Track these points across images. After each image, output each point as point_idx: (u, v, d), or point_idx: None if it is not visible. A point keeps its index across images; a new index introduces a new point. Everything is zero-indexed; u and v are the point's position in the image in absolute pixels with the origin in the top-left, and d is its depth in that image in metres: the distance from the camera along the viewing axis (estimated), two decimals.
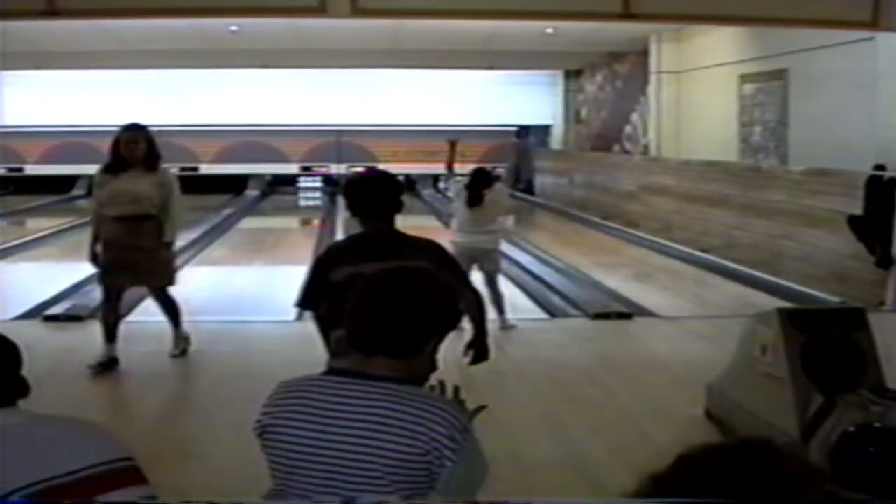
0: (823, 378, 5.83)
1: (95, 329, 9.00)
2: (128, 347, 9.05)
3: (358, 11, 10.48)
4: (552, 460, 6.57)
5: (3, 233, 21.37)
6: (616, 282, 14.22)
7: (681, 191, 19.22)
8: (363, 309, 2.85)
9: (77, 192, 28.46)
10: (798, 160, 15.68)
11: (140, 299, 12.77)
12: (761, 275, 14.24)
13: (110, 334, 8.75)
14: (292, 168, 32.14)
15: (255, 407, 2.91)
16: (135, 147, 8.61)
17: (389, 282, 2.89)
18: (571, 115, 30.28)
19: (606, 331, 10.74)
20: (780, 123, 16.72)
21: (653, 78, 22.10)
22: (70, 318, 10.58)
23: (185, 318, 11.64)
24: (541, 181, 31.04)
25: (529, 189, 31.15)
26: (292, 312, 11.40)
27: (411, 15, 12.60)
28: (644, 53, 22.44)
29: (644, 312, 11.88)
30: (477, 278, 10.52)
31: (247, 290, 14.45)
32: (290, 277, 14.47)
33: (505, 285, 11.15)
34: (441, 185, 27.78)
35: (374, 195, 5.14)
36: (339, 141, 31.58)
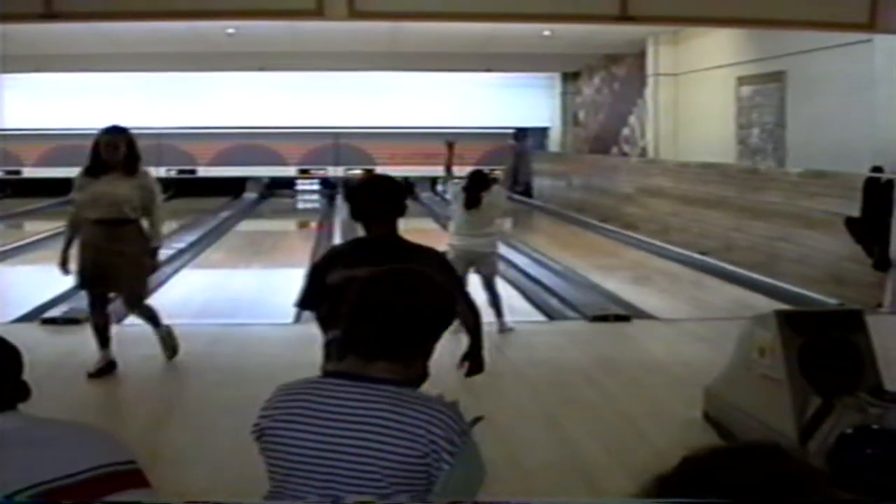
0: (821, 380, 5.83)
1: (86, 334, 8.97)
2: (125, 350, 9.05)
3: (355, 14, 10.48)
4: (550, 462, 6.57)
5: (1, 236, 21.38)
6: (614, 284, 14.24)
7: (678, 193, 19.23)
8: (359, 313, 2.85)
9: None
10: (796, 162, 15.69)
11: None
12: (759, 277, 14.25)
13: (103, 339, 8.69)
14: (290, 171, 32.15)
15: (253, 410, 2.91)
16: (115, 150, 8.47)
17: (384, 285, 2.89)
18: (569, 117, 30.31)
19: (604, 333, 10.74)
20: (777, 125, 16.73)
21: (650, 80, 22.13)
22: (68, 321, 10.58)
23: (184, 322, 11.68)
24: (539, 183, 31.04)
25: (527, 191, 31.16)
26: (290, 315, 11.43)
27: (408, 18, 12.60)
28: (641, 56, 22.46)
29: (642, 315, 11.89)
30: (474, 281, 10.54)
31: (244, 293, 14.45)
32: (288, 280, 14.48)
33: (502, 288, 11.15)
34: (439, 187, 27.78)
35: (376, 199, 5.15)
36: (336, 144, 31.60)
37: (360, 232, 5.29)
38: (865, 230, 12.13)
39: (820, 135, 15.00)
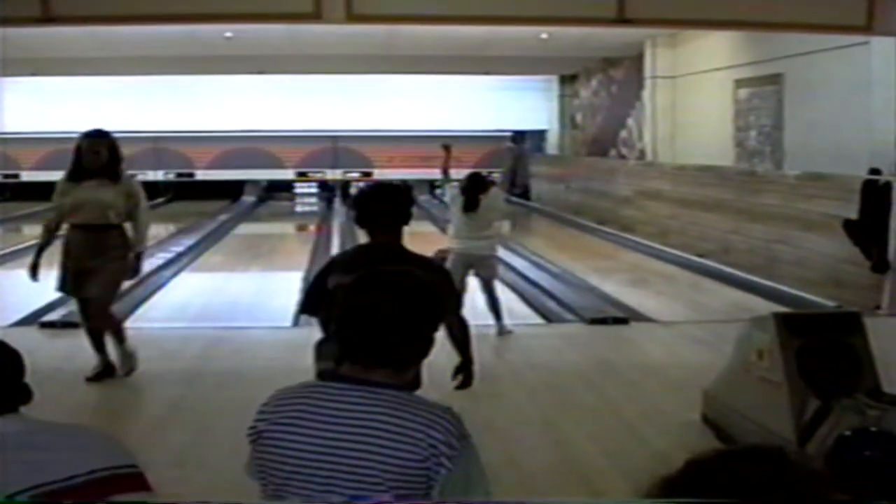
0: (819, 382, 5.83)
1: (86, 337, 8.93)
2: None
3: (352, 17, 10.50)
4: (549, 465, 6.57)
5: (0, 239, 21.37)
6: (612, 287, 14.24)
7: (676, 195, 19.24)
8: (348, 318, 2.85)
9: None
10: (793, 165, 15.70)
11: (136, 305, 12.83)
12: (757, 279, 14.26)
13: (98, 343, 8.62)
14: (288, 174, 32.16)
15: (252, 412, 2.91)
16: (96, 155, 8.34)
17: (369, 288, 2.88)
18: (567, 120, 30.32)
19: (603, 336, 10.75)
20: (775, 128, 16.74)
21: (648, 83, 22.14)
22: (66, 324, 10.56)
23: (182, 325, 11.70)
24: (537, 186, 31.04)
25: (525, 194, 31.16)
26: (288, 318, 11.45)
27: (406, 21, 12.60)
28: (639, 58, 22.48)
29: (640, 317, 11.90)
30: (473, 284, 10.55)
31: (243, 297, 14.45)
32: (286, 283, 14.53)
33: (501, 290, 11.16)
34: (438, 191, 27.87)
35: (382, 206, 5.17)
36: (334, 147, 31.61)
37: (361, 236, 5.31)
38: (863, 232, 12.13)
39: (817, 137, 15.01)
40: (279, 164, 31.77)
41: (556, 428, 7.46)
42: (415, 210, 5.39)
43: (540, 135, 32.00)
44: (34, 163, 29.87)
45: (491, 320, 10.52)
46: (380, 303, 2.81)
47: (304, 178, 32.48)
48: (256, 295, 14.67)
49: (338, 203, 29.49)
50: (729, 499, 1.51)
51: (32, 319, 11.19)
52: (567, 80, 29.97)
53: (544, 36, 19.97)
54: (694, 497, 1.53)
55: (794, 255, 14.27)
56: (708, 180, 18.00)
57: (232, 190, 31.37)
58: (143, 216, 8.63)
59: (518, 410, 7.91)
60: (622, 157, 24.50)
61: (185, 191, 31.30)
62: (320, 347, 4.95)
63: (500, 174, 28.43)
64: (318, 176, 32.28)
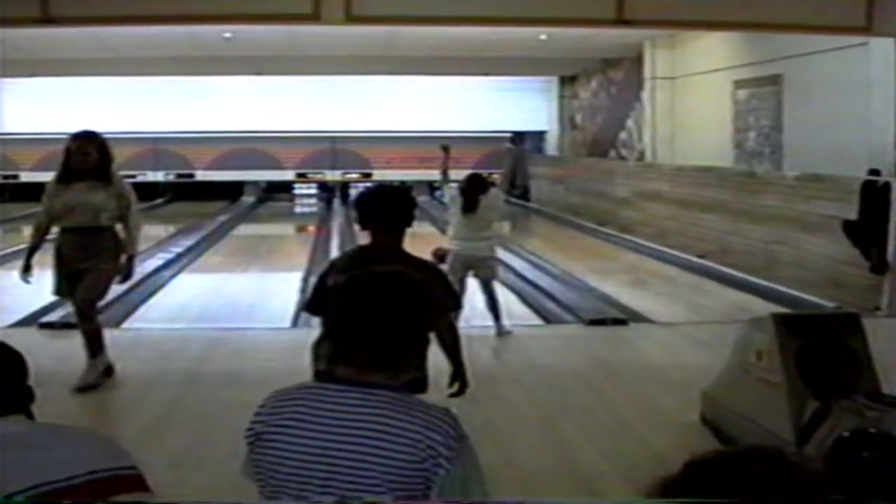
0: (818, 383, 5.84)
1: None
2: (122, 354, 9.04)
3: (351, 19, 10.50)
4: (548, 466, 6.57)
5: (0, 240, 21.37)
6: (611, 287, 14.24)
7: (675, 196, 19.24)
8: (339, 321, 2.84)
9: None
10: (792, 166, 15.71)
11: (135, 307, 12.83)
12: (756, 280, 14.26)
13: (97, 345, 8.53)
14: (288, 175, 32.16)
15: (251, 413, 2.91)
16: (85, 156, 8.20)
17: (360, 289, 2.87)
18: (566, 121, 30.32)
19: (602, 337, 10.74)
20: (774, 129, 16.74)
21: (647, 84, 22.15)
22: (65, 325, 10.55)
23: (182, 326, 11.70)
24: (536, 187, 31.04)
25: (525, 195, 31.16)
26: (287, 319, 11.46)
27: (405, 22, 12.60)
28: (638, 59, 22.49)
29: (639, 318, 11.90)
30: (473, 285, 10.55)
31: (242, 297, 14.44)
32: (286, 284, 14.54)
33: (500, 291, 11.15)
34: (437, 192, 27.85)
35: (385, 208, 5.19)
36: (334, 148, 31.62)
37: (361, 237, 5.33)
38: (862, 233, 12.13)
39: (817, 138, 15.01)
40: (278, 165, 31.79)
41: (554, 429, 7.45)
42: (416, 213, 5.40)
43: (539, 136, 32.00)
44: (33, 164, 29.84)
45: (490, 321, 10.52)
46: (370, 304, 2.80)
47: (303, 179, 32.48)
48: (256, 296, 14.67)
49: (337, 204, 29.50)
50: (728, 500, 1.51)
51: (31, 320, 11.19)
52: (567, 81, 29.98)
53: (543, 37, 19.97)
54: (693, 497, 1.53)
55: (794, 256, 14.28)
56: (707, 181, 18.01)
57: (231, 191, 31.38)
58: (134, 219, 8.50)
59: (517, 411, 7.91)
60: (622, 158, 24.50)
61: (185, 192, 31.32)
62: (317, 348, 4.96)
63: (500, 175, 28.50)
64: (318, 177, 32.29)
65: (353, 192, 26.48)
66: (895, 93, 12.37)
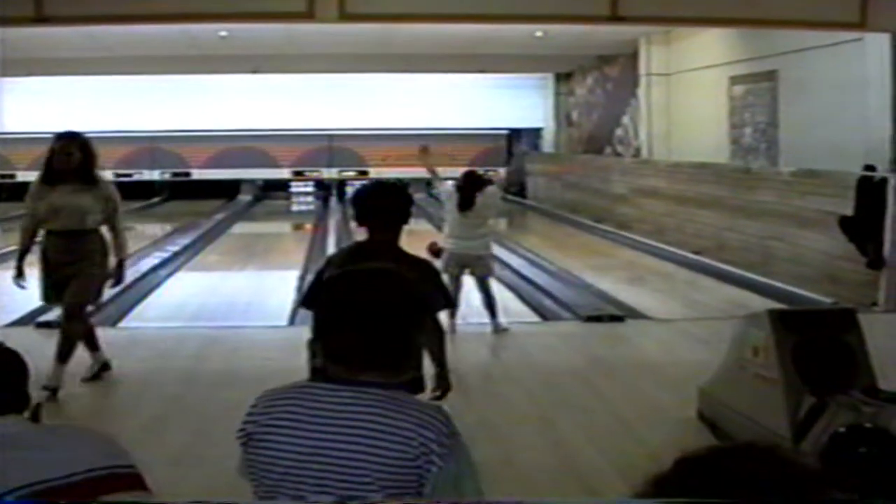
0: (815, 379, 5.84)
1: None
2: (120, 353, 9.04)
3: (345, 17, 10.51)
4: (545, 463, 6.57)
5: None
6: (608, 284, 14.24)
7: (672, 193, 19.24)
8: (330, 327, 2.84)
9: None
10: (788, 161, 15.70)
11: (131, 306, 12.83)
12: (753, 276, 14.27)
13: (91, 345, 8.50)
14: (284, 173, 32.14)
15: None
16: (68, 157, 8.00)
17: (349, 289, 2.86)
18: (562, 117, 30.30)
19: (599, 333, 10.74)
20: (770, 125, 16.75)
21: (643, 80, 22.13)
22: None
23: (179, 324, 11.70)
24: (533, 184, 31.04)
25: (521, 192, 31.17)
26: (284, 317, 11.46)
27: (398, 20, 12.60)
28: (634, 56, 22.48)
29: (636, 315, 11.90)
30: (469, 283, 10.56)
31: (239, 296, 14.43)
32: (282, 283, 14.53)
33: (497, 289, 11.15)
34: (434, 191, 27.89)
35: (382, 205, 5.19)
36: (330, 146, 31.59)
37: (358, 235, 5.33)
38: (859, 229, 12.13)
39: (812, 134, 15.01)
40: (275, 164, 31.76)
41: (552, 426, 7.45)
42: (411, 208, 5.40)
43: (536, 133, 31.99)
44: (29, 163, 29.78)
45: (487, 319, 10.53)
46: (357, 302, 2.79)
47: (299, 178, 32.47)
48: (252, 294, 14.66)
49: (334, 202, 29.50)
50: (721, 496, 1.50)
51: (28, 320, 11.18)
52: (563, 78, 29.96)
53: (539, 34, 19.95)
54: (685, 495, 1.53)
55: (790, 252, 14.28)
56: (703, 177, 18.00)
57: (228, 189, 31.36)
58: (122, 221, 8.39)
59: (514, 409, 7.91)
60: (618, 154, 24.49)
61: (181, 190, 31.29)
62: (313, 344, 4.95)
63: (505, 173, 28.54)
64: (314, 175, 32.27)
65: (350, 190, 26.46)
66: (891, 88, 12.38)
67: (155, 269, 16.31)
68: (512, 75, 29.53)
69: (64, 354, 8.07)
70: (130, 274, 14.79)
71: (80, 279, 8.07)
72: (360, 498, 2.61)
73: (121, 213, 8.38)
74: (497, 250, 12.68)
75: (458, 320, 10.33)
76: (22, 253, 8.36)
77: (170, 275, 16.11)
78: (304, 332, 5.35)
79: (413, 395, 4.19)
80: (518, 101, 30.95)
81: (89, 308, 8.62)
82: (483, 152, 31.58)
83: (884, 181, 11.95)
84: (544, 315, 12.41)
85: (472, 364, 9.26)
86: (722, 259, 15.86)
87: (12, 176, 30.25)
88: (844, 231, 12.30)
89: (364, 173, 30.66)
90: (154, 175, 31.55)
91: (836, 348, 6.10)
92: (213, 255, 19.39)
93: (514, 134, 32.23)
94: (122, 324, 11.85)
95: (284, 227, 28.68)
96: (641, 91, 22.27)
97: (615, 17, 10.65)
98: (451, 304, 6.15)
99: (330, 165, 31.75)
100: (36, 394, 7.30)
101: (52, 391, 7.77)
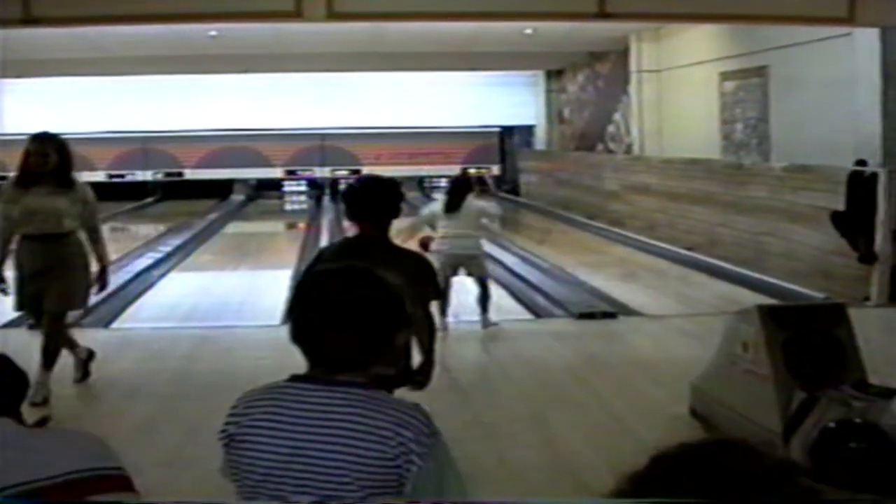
0: (805, 374, 5.86)
1: (78, 337, 8.86)
2: (113, 354, 9.05)
3: (333, 16, 10.49)
4: (537, 460, 6.58)
5: None
6: (601, 281, 14.25)
7: (664, 189, 19.25)
8: (300, 329, 2.84)
9: None
10: (780, 157, 15.72)
11: (124, 307, 12.82)
12: (746, 272, 14.28)
13: (68, 344, 8.32)
14: (277, 172, 32.13)
15: None
16: (44, 158, 7.76)
17: (322, 291, 2.86)
18: (554, 115, 30.30)
19: (591, 330, 10.75)
20: (761, 120, 16.76)
21: (634, 77, 22.14)
22: None
23: (172, 325, 11.69)
24: (525, 181, 31.05)
25: (514, 190, 31.19)
26: (277, 317, 11.44)
27: (386, 18, 12.60)
28: (625, 53, 22.48)
29: (629, 311, 11.91)
30: (464, 282, 10.57)
31: (232, 296, 14.43)
32: (275, 282, 14.52)
33: (490, 286, 11.15)
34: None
35: (372, 200, 5.21)
36: (322, 145, 31.58)
37: (349, 232, 5.34)
38: (850, 224, 12.15)
39: (803, 129, 15.03)
40: (267, 163, 31.74)
41: (544, 423, 7.46)
42: (404, 207, 5.41)
43: (528, 130, 31.98)
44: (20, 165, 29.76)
45: (476, 317, 10.54)
46: (330, 303, 2.80)
47: (292, 177, 32.46)
48: (245, 294, 14.66)
49: (327, 201, 29.48)
50: (696, 492, 1.51)
51: (22, 321, 11.15)
52: (554, 76, 29.95)
53: (529, 31, 19.94)
54: (660, 493, 1.54)
55: (783, 248, 14.29)
56: (695, 173, 18.01)
57: (221, 189, 31.34)
58: (100, 225, 8.22)
59: (506, 406, 7.92)
60: (610, 151, 24.50)
61: (174, 190, 31.27)
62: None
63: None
64: (307, 174, 32.26)
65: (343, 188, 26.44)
66: (880, 83, 12.41)
67: (148, 269, 16.30)
68: (503, 73, 29.52)
69: (49, 362, 7.94)
70: (123, 275, 14.86)
71: (61, 286, 7.85)
72: (341, 498, 2.61)
73: (98, 217, 8.21)
74: (492, 249, 12.69)
75: (450, 318, 10.35)
76: (0, 260, 8.10)
77: (163, 275, 16.10)
78: None
79: (400, 386, 4.20)
80: (510, 98, 30.92)
81: (76, 313, 8.55)
82: (475, 150, 31.61)
83: (874, 176, 11.98)
84: (537, 312, 12.41)
85: (464, 362, 9.28)
86: (714, 255, 15.87)
87: (3, 178, 30.20)
88: (836, 226, 12.32)
89: (357, 172, 30.57)
90: (147, 175, 31.54)
91: (826, 343, 6.11)
92: (207, 255, 19.37)
93: (507, 131, 32.24)
94: (115, 325, 11.84)
95: (278, 226, 28.65)
96: (632, 88, 22.27)
97: (602, 15, 10.64)
98: (440, 294, 6.15)
99: (322, 164, 31.74)
100: (55, 391, 7.31)
101: (42, 401, 7.58)
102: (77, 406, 8.05)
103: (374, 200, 5.22)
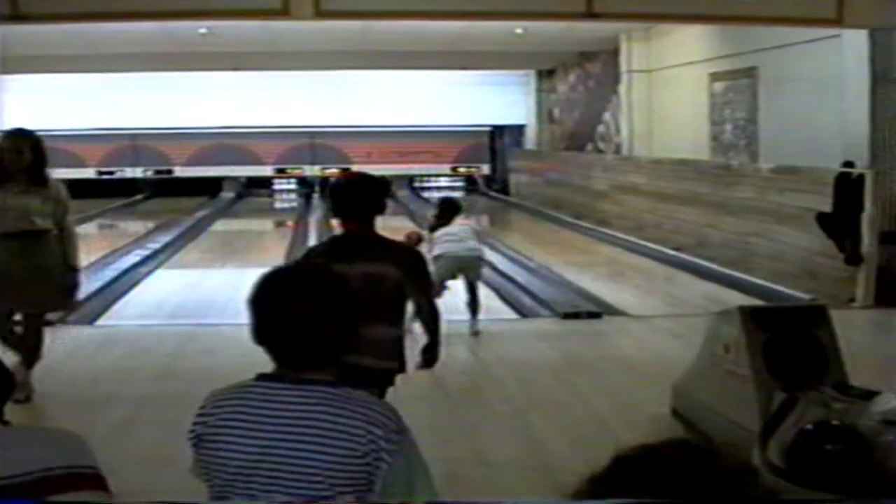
0: (786, 375, 5.85)
1: (60, 335, 8.82)
2: (98, 351, 9.03)
3: (321, 14, 10.46)
4: (518, 460, 6.57)
5: None
6: (588, 281, 14.26)
7: (652, 189, 19.27)
8: (260, 329, 2.85)
9: None
10: (768, 158, 15.73)
11: (110, 304, 12.80)
12: (733, 273, 14.30)
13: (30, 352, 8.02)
14: (266, 170, 32.12)
15: None
16: (19, 155, 7.61)
17: (274, 293, 2.87)
18: (545, 114, 30.30)
19: (576, 330, 10.75)
20: (749, 121, 16.77)
21: (624, 77, 22.14)
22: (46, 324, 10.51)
23: (158, 322, 11.67)
24: (515, 181, 31.06)
25: (504, 189, 31.20)
26: None
27: (374, 17, 12.60)
28: (615, 53, 22.48)
29: (615, 311, 11.92)
30: (456, 285, 10.55)
31: (219, 293, 14.39)
32: None
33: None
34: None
35: (354, 197, 5.22)
36: (312, 143, 31.57)
37: (337, 230, 5.37)
38: (837, 225, 12.17)
39: (792, 130, 15.03)
40: (257, 161, 31.74)
41: (525, 422, 7.46)
42: (393, 205, 5.43)
43: (518, 129, 31.98)
44: None
45: (464, 317, 10.52)
46: (277, 305, 2.81)
47: (282, 175, 32.44)
48: (232, 291, 14.60)
49: (316, 199, 29.47)
50: (654, 492, 1.51)
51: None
52: (544, 75, 29.95)
53: (519, 31, 19.93)
54: (620, 493, 1.54)
55: (770, 249, 14.31)
56: (684, 174, 18.03)
57: (210, 186, 31.32)
58: (71, 227, 7.99)
59: (487, 405, 7.92)
60: (599, 151, 24.51)
61: (164, 188, 31.25)
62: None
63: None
64: (297, 172, 32.24)
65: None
66: (869, 85, 12.42)
67: (135, 266, 16.29)
68: (494, 72, 29.50)
69: (30, 361, 7.86)
70: (110, 272, 14.85)
71: (38, 286, 7.73)
72: (311, 496, 2.61)
73: (70, 219, 8.02)
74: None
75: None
76: None
77: (150, 272, 16.09)
78: None
79: (388, 386, 4.21)
80: (500, 97, 30.91)
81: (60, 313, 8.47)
82: (465, 149, 31.62)
83: (861, 177, 12.00)
84: (522, 312, 12.41)
85: (448, 361, 9.24)
86: (702, 255, 15.89)
87: None
88: (822, 227, 12.34)
89: (346, 170, 30.63)
90: (137, 172, 31.51)
91: (807, 344, 6.11)
92: (194, 253, 19.36)
93: (497, 131, 32.24)
94: (101, 322, 11.82)
95: (266, 224, 28.63)
96: (622, 88, 22.28)
97: (590, 14, 10.62)
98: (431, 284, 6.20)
99: (312, 163, 31.73)
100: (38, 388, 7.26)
101: (25, 399, 7.50)
102: (58, 402, 8.02)
103: (358, 198, 5.23)
